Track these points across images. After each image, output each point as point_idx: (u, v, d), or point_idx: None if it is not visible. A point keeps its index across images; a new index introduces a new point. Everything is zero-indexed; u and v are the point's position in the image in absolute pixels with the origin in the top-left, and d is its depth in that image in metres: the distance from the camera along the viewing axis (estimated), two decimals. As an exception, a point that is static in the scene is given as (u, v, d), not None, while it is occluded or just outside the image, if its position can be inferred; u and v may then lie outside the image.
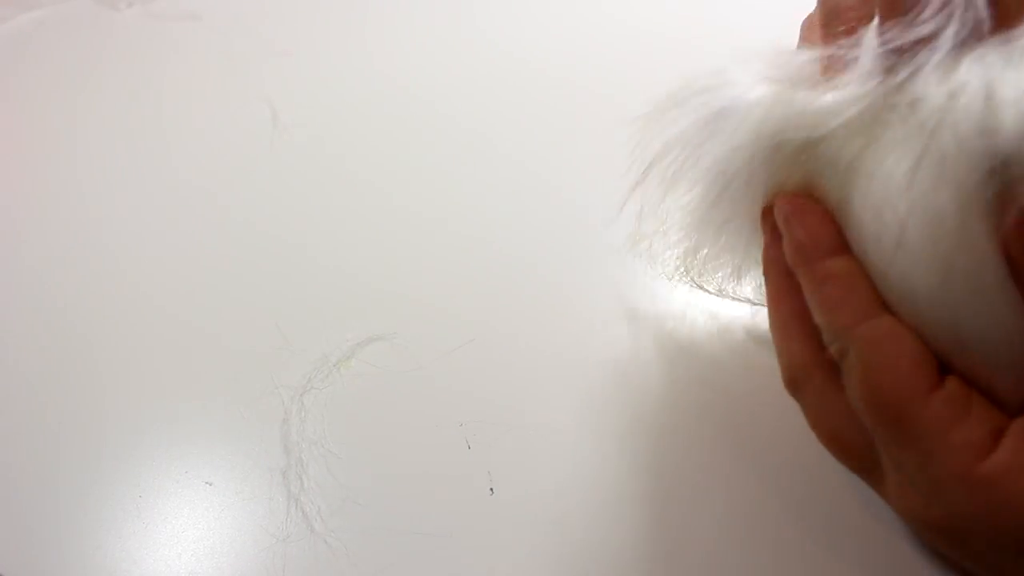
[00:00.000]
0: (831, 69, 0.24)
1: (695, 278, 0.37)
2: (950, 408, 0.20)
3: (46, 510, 0.34)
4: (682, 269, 0.36)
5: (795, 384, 0.25)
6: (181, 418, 0.37)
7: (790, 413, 0.28)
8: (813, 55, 0.25)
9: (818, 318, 0.24)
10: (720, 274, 0.35)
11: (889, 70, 0.22)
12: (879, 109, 0.23)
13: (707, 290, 0.38)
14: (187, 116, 0.53)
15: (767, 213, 0.26)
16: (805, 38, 0.27)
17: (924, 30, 0.21)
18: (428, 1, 0.61)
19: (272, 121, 0.52)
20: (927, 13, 0.21)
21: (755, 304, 0.37)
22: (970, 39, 0.21)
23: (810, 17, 0.28)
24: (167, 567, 0.33)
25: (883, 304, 0.22)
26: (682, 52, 0.53)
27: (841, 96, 0.23)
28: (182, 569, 0.32)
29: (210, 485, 0.35)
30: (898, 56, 0.22)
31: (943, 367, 0.22)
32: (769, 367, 0.29)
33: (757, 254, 0.29)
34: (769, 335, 0.28)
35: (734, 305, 0.37)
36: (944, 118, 0.21)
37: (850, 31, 0.24)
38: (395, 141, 0.50)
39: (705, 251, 0.33)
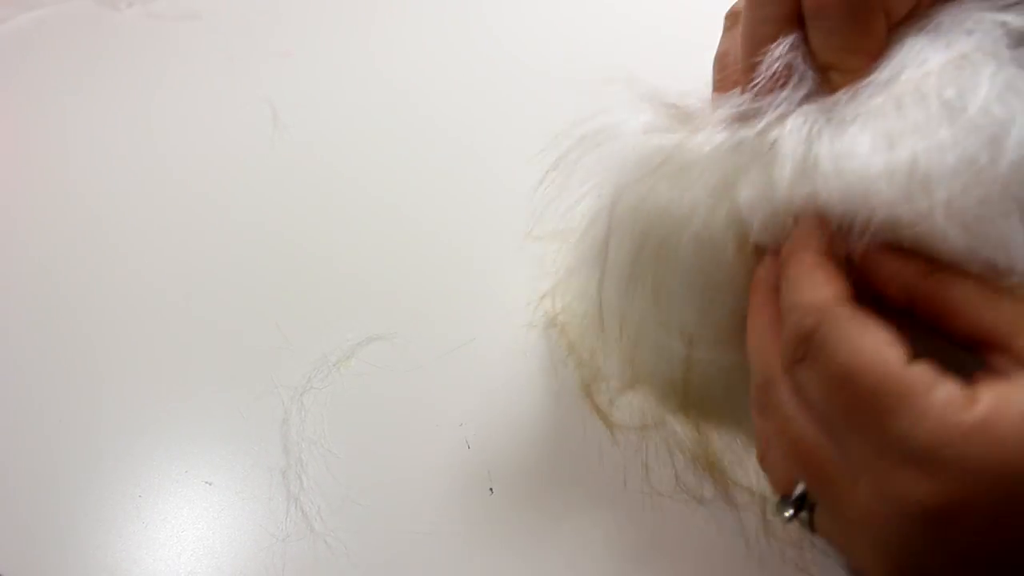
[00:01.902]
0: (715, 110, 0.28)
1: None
2: (926, 373, 0.21)
3: (46, 510, 0.34)
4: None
5: (761, 400, 0.25)
6: (181, 418, 0.37)
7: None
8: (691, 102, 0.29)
9: (786, 304, 0.24)
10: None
11: (738, 120, 0.27)
12: (725, 153, 0.26)
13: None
14: (187, 116, 0.53)
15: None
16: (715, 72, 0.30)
17: (761, 96, 0.26)
18: (427, 3, 0.61)
19: (272, 121, 0.52)
20: (762, 82, 0.26)
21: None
22: (803, 102, 0.26)
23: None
24: (166, 567, 0.33)
25: (849, 296, 0.23)
26: (682, 54, 0.53)
27: (696, 140, 0.27)
28: (181, 569, 0.32)
29: (210, 485, 0.35)
30: (745, 112, 0.26)
31: None
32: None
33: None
34: None
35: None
36: (763, 167, 0.25)
37: (730, 78, 0.28)
38: (395, 141, 0.50)
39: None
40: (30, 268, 0.45)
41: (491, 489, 0.34)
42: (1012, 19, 0.24)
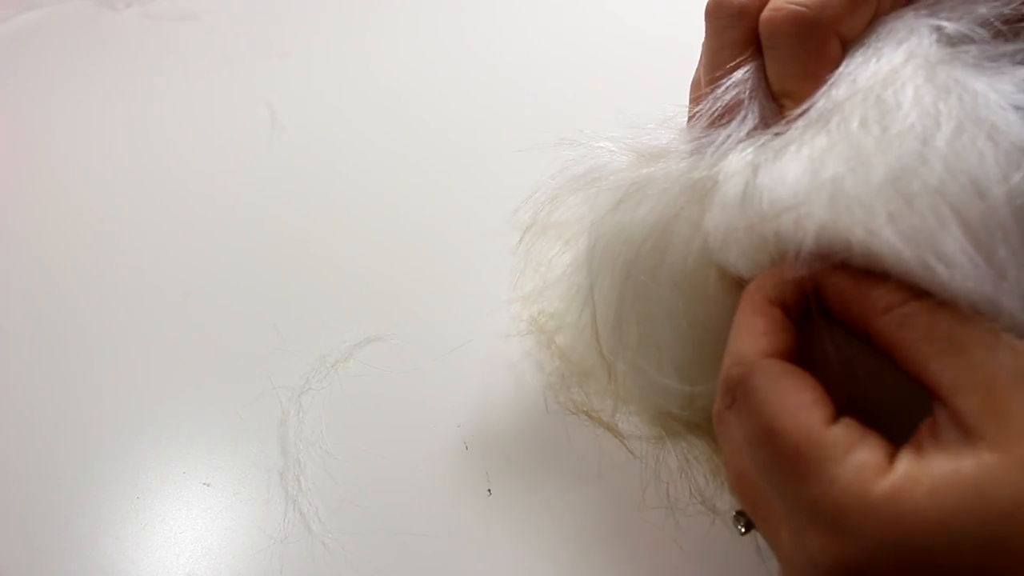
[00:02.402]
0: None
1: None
2: (848, 435, 0.21)
3: (45, 510, 0.34)
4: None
5: (717, 421, 0.25)
6: (179, 419, 0.37)
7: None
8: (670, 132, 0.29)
9: (727, 348, 0.24)
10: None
11: (696, 152, 0.27)
12: (680, 189, 0.27)
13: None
14: (185, 116, 0.53)
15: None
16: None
17: (718, 126, 0.26)
18: (426, 4, 0.61)
19: (270, 121, 0.52)
20: (717, 111, 0.26)
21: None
22: (755, 131, 0.26)
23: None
24: (165, 567, 0.33)
25: (783, 350, 0.23)
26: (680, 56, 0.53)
27: (661, 169, 0.28)
28: (180, 570, 0.33)
29: (208, 486, 0.35)
30: (703, 143, 0.27)
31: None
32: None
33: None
34: None
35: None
36: (715, 197, 0.26)
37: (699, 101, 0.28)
38: (393, 142, 0.50)
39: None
40: (28, 268, 0.45)
41: (489, 490, 0.34)
42: (946, 23, 0.24)
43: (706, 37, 0.27)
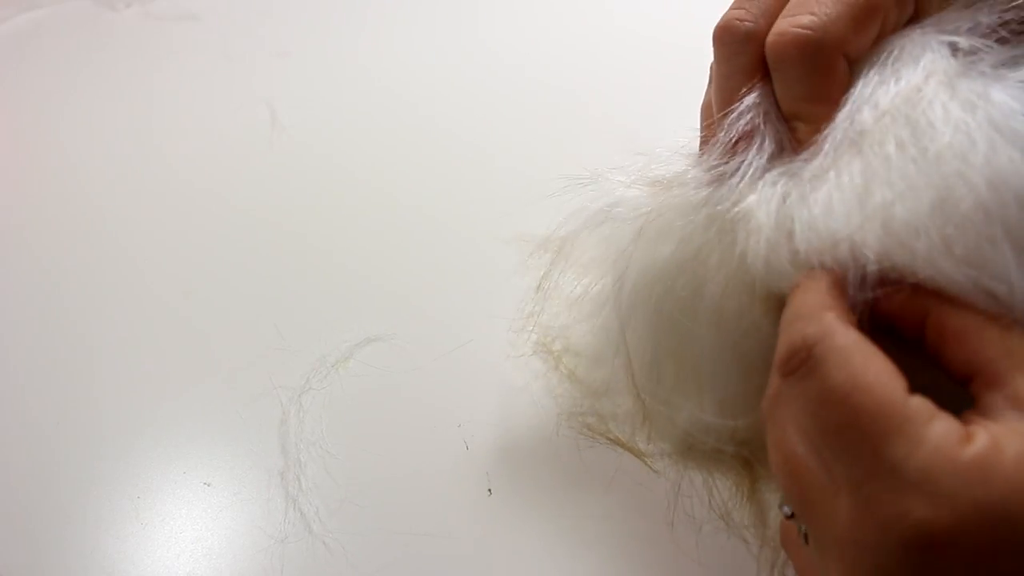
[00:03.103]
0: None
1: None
2: (928, 406, 0.21)
3: (46, 510, 0.34)
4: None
5: (769, 401, 0.24)
6: (179, 419, 0.37)
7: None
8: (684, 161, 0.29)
9: (787, 316, 0.24)
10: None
11: (714, 181, 0.27)
12: (702, 215, 0.27)
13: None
14: (185, 116, 0.53)
15: None
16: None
17: (734, 153, 0.26)
18: (425, 4, 0.61)
19: (270, 121, 0.52)
20: (731, 139, 0.26)
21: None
22: (774, 161, 0.26)
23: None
24: (165, 568, 0.33)
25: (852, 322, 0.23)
26: (679, 59, 0.53)
27: (674, 199, 0.27)
28: (180, 570, 0.32)
29: (208, 486, 0.35)
30: (720, 171, 0.27)
31: None
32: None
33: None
34: None
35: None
36: (749, 227, 0.25)
37: (712, 129, 0.27)
38: (393, 142, 0.50)
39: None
40: (28, 268, 0.45)
41: (489, 490, 0.34)
42: (960, 40, 0.24)
43: (716, 63, 0.27)
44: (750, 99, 0.26)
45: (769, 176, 0.26)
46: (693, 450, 0.32)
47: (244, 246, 0.45)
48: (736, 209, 0.26)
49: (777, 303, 0.26)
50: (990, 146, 0.21)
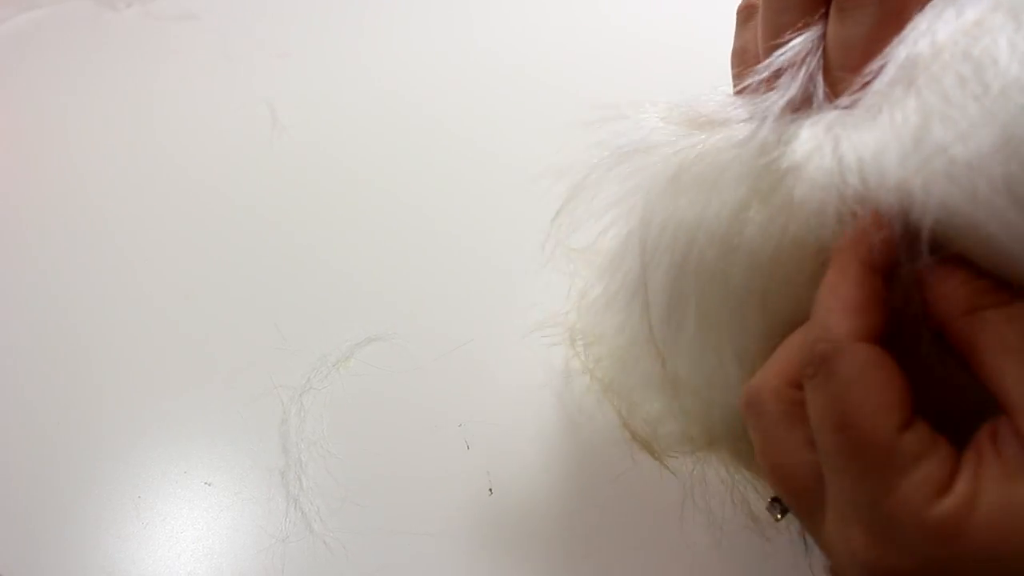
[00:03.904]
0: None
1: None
2: (918, 444, 0.20)
3: (46, 510, 0.34)
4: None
5: (751, 406, 0.24)
6: (180, 418, 0.37)
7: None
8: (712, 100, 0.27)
9: (816, 313, 0.23)
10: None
11: (758, 123, 0.25)
12: (747, 160, 0.25)
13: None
14: (185, 116, 0.53)
15: None
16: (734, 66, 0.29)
17: (781, 91, 0.25)
18: (425, 4, 0.61)
19: (271, 121, 0.52)
20: (780, 75, 0.25)
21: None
22: (822, 105, 0.25)
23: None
24: (166, 567, 0.33)
25: (875, 332, 0.22)
26: (677, 59, 0.53)
27: (714, 142, 0.26)
28: (181, 569, 0.33)
29: (209, 485, 0.35)
30: (764, 113, 0.25)
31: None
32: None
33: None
34: None
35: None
36: (799, 172, 0.24)
37: (751, 73, 0.26)
38: (394, 142, 0.50)
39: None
40: (29, 268, 0.45)
41: (490, 490, 0.34)
42: None
43: (766, 2, 0.26)
44: (801, 38, 0.25)
45: (818, 118, 0.24)
46: (718, 438, 0.32)
47: (245, 246, 0.45)
48: (784, 153, 0.24)
49: (816, 256, 0.24)
50: None
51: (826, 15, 0.25)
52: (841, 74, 0.24)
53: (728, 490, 0.32)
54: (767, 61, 0.25)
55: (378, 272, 0.43)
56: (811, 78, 0.25)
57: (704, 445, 0.32)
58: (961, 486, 0.19)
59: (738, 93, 0.27)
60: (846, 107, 0.24)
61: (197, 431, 0.37)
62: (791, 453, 0.23)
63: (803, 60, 0.25)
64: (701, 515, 0.32)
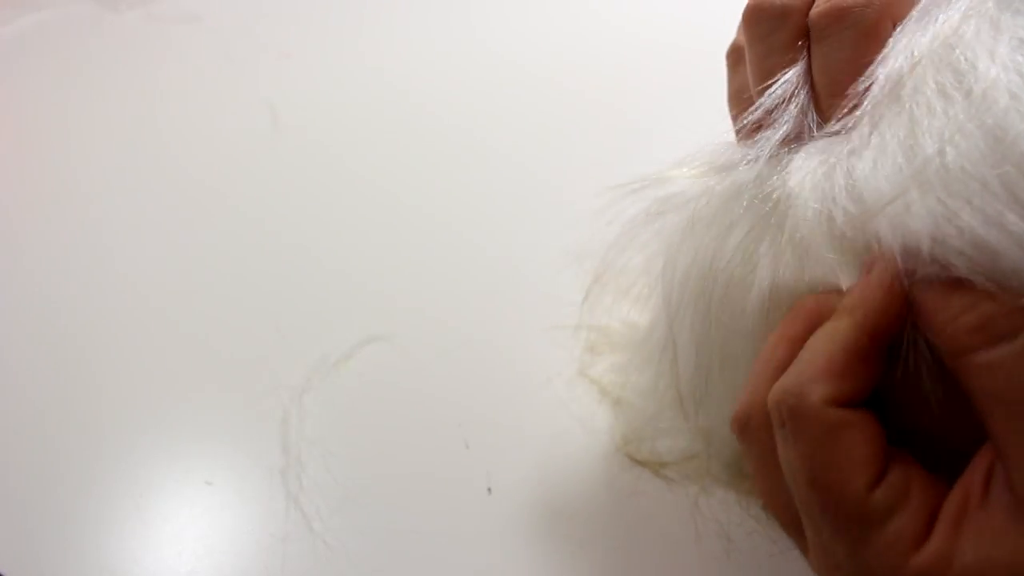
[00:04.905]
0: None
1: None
2: (891, 498, 0.20)
3: (46, 510, 0.34)
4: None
5: (743, 431, 0.23)
6: (181, 418, 0.37)
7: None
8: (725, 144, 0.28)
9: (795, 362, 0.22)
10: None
11: (761, 162, 0.25)
12: (747, 197, 0.25)
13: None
14: (187, 117, 0.53)
15: None
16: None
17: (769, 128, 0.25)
18: (426, 4, 0.62)
19: (272, 122, 0.52)
20: (766, 110, 0.25)
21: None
22: (816, 137, 0.25)
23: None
24: (167, 566, 0.33)
25: (853, 396, 0.21)
26: (675, 59, 0.53)
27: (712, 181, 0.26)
28: (181, 568, 0.33)
29: (210, 485, 0.35)
30: (765, 152, 0.25)
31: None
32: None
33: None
34: None
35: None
36: (793, 202, 0.24)
37: (745, 112, 0.26)
38: (394, 143, 0.50)
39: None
40: (30, 269, 0.45)
41: (489, 489, 0.34)
42: None
43: (749, 44, 0.26)
44: (788, 75, 0.25)
45: (810, 147, 0.24)
46: (734, 468, 0.31)
47: (246, 246, 0.45)
48: (778, 187, 0.24)
49: (822, 287, 0.24)
50: None
51: (810, 49, 0.25)
52: (831, 102, 0.24)
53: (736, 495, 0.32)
54: (758, 102, 0.26)
55: (378, 272, 0.43)
56: (803, 111, 0.25)
57: (725, 482, 0.32)
58: (938, 539, 0.19)
59: (739, 136, 0.27)
60: (836, 132, 0.24)
61: (197, 430, 0.37)
62: (781, 483, 0.22)
63: (793, 95, 0.25)
64: (705, 515, 0.32)
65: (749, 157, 0.26)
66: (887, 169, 0.21)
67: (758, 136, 0.26)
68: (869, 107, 0.23)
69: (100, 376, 0.39)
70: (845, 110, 0.24)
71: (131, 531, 0.34)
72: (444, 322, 0.40)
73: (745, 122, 0.26)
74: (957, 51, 0.21)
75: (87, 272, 0.44)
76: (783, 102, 0.25)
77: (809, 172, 0.24)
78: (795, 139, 0.25)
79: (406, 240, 0.44)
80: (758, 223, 0.25)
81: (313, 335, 0.40)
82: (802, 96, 0.25)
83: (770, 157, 0.25)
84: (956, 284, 0.19)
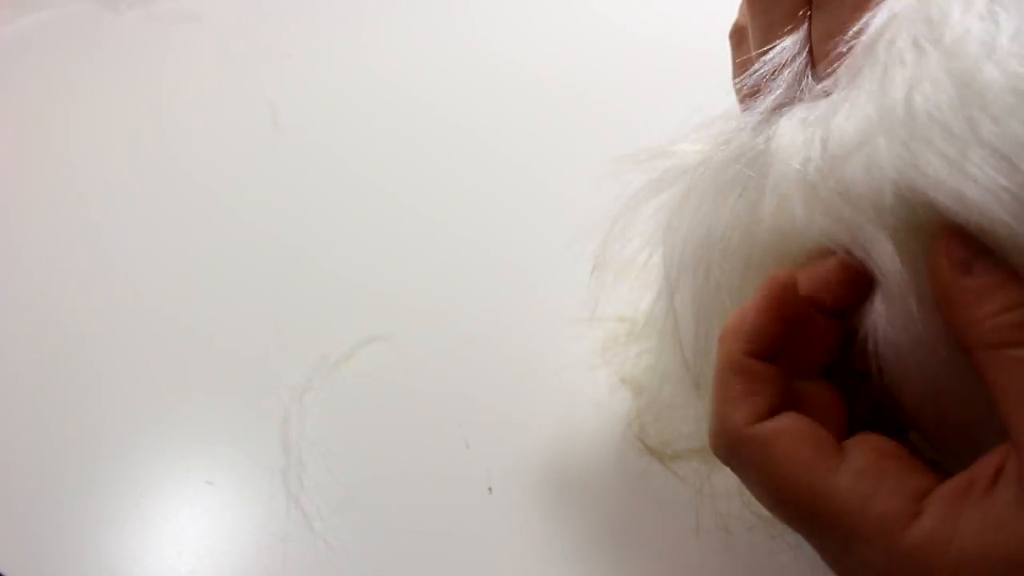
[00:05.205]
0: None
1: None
2: (861, 481, 0.20)
3: (46, 510, 0.34)
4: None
5: (720, 458, 0.23)
6: (181, 418, 0.37)
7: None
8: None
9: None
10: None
11: (756, 129, 0.26)
12: (742, 163, 0.25)
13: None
14: (188, 118, 0.53)
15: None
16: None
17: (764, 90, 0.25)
18: (427, 4, 0.62)
19: (272, 122, 0.52)
20: (762, 76, 0.25)
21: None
22: (795, 100, 0.25)
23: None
24: (167, 566, 0.33)
25: (772, 407, 0.21)
26: (674, 58, 0.53)
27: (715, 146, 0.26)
28: (182, 568, 0.33)
29: (210, 484, 0.35)
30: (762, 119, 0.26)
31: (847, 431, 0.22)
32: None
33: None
34: None
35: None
36: (776, 163, 0.24)
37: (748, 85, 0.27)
38: (395, 143, 0.50)
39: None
40: (31, 269, 0.45)
41: (490, 488, 0.34)
42: None
43: (752, 18, 0.27)
44: (787, 42, 0.25)
45: (798, 109, 0.25)
46: None
47: (246, 246, 0.45)
48: (766, 148, 0.25)
49: (814, 244, 0.24)
50: (1019, 26, 0.19)
51: (811, 17, 0.25)
52: (825, 66, 0.25)
53: (737, 490, 0.32)
54: (754, 68, 0.26)
55: (378, 272, 0.43)
56: (797, 77, 0.25)
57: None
58: (931, 518, 0.19)
59: (742, 104, 0.28)
60: (825, 94, 0.24)
61: (198, 430, 0.37)
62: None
63: (790, 61, 0.25)
64: (706, 513, 0.32)
65: (743, 124, 0.26)
66: (857, 119, 0.21)
67: (753, 102, 0.26)
68: (849, 64, 0.23)
69: (100, 376, 0.39)
70: (831, 72, 0.24)
71: (131, 531, 0.34)
72: (444, 321, 0.40)
73: (743, 86, 0.27)
74: (933, 4, 0.21)
75: (87, 272, 0.44)
76: (780, 67, 0.25)
77: (791, 131, 0.24)
78: (788, 104, 0.25)
79: (406, 240, 0.44)
80: (748, 186, 0.25)
81: (313, 335, 0.40)
82: (798, 62, 0.25)
83: (761, 122, 0.25)
84: (1007, 279, 0.19)
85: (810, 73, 0.25)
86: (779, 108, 0.25)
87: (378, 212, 0.46)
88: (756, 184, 0.25)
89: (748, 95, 0.27)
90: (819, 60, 0.25)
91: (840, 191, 0.22)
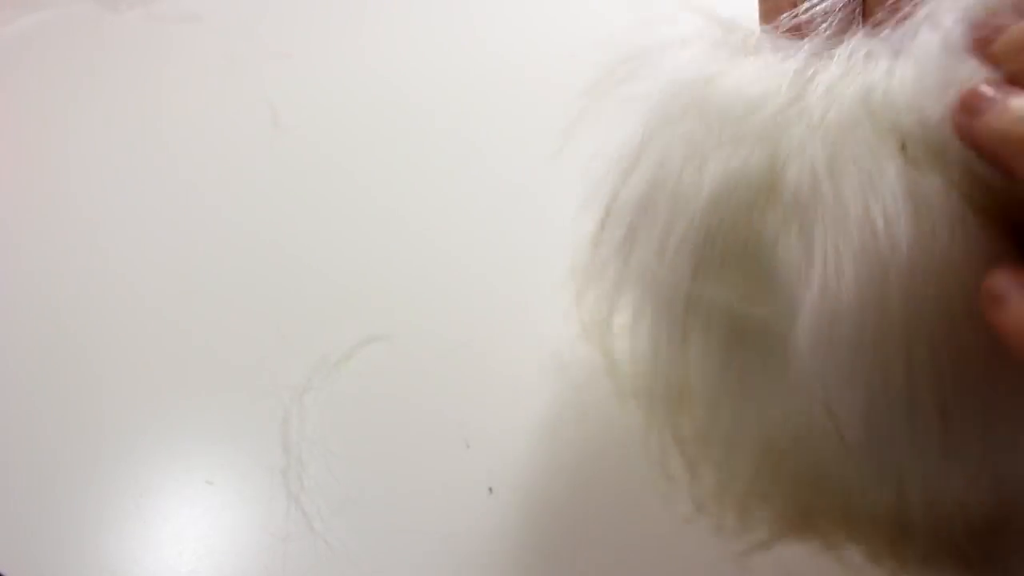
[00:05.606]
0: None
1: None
2: None
3: (47, 509, 0.34)
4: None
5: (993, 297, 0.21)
6: (181, 418, 0.37)
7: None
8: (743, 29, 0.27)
9: None
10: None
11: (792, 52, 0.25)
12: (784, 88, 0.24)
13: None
14: (188, 118, 0.53)
15: None
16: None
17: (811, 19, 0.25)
18: (427, 5, 0.62)
19: (272, 123, 0.52)
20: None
21: None
22: (846, 31, 0.24)
23: None
24: (167, 566, 0.33)
25: None
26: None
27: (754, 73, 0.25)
28: (182, 568, 0.33)
29: (210, 484, 0.35)
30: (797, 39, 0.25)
31: None
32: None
33: None
34: None
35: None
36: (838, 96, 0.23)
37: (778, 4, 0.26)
38: (395, 143, 0.50)
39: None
40: (31, 269, 0.45)
41: (490, 488, 0.34)
42: None
43: None
44: None
45: (851, 44, 0.24)
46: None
47: (246, 246, 0.45)
48: (817, 82, 0.24)
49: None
50: None
51: None
52: (881, 12, 0.24)
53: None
54: (806, 4, 0.25)
55: (379, 272, 0.43)
56: (851, 15, 0.25)
57: None
58: None
59: (766, 19, 0.27)
60: (880, 38, 0.24)
61: (198, 430, 0.37)
62: None
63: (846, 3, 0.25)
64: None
65: (784, 49, 0.25)
66: (915, 76, 0.22)
67: (800, 33, 0.25)
68: (914, 21, 0.23)
69: (100, 376, 0.39)
70: (893, 21, 0.24)
71: (131, 531, 0.34)
72: (444, 322, 0.40)
73: (783, 19, 0.26)
74: None
75: (87, 272, 0.44)
76: (833, 6, 0.25)
77: (850, 67, 0.23)
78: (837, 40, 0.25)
79: (406, 240, 0.44)
80: (786, 107, 0.24)
81: (313, 335, 0.39)
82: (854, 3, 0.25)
83: (810, 53, 0.24)
84: None
85: (861, 16, 0.25)
86: (829, 42, 0.24)
87: (378, 212, 0.46)
88: (797, 107, 0.24)
89: (791, 31, 0.25)
90: (875, 3, 0.25)
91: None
